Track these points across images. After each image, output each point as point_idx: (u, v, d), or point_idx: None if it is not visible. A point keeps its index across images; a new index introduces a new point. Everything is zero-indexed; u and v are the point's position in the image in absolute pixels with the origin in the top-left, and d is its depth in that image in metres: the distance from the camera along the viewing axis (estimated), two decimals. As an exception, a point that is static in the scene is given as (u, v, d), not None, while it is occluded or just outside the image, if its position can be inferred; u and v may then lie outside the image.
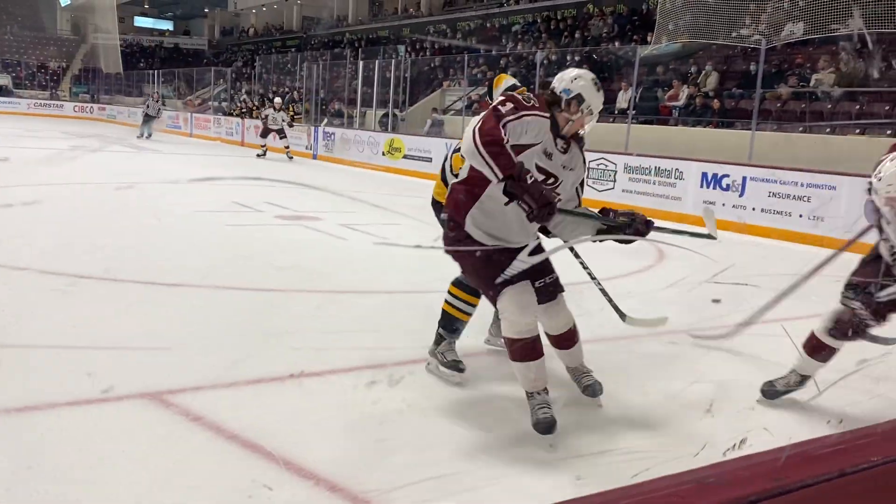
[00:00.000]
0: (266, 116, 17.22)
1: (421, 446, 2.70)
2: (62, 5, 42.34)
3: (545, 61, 16.49)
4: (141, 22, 46.49)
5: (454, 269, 3.17)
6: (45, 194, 8.44)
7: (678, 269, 5.17)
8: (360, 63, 20.13)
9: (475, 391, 3.27)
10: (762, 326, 3.73)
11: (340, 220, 7.82)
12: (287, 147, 17.00)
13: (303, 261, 5.83)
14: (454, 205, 2.94)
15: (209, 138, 23.71)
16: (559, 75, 2.98)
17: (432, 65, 21.71)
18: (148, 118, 21.81)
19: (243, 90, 27.95)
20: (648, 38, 14.38)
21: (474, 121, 2.80)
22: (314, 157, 18.41)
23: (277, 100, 17.98)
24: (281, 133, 17.06)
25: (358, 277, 5.45)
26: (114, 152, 15.91)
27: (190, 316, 4.14)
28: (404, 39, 27.34)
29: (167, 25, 47.97)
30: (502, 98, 2.87)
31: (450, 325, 3.38)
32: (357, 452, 2.62)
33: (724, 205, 9.49)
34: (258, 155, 17.39)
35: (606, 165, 11.13)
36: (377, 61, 19.96)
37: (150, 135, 21.31)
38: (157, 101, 23.06)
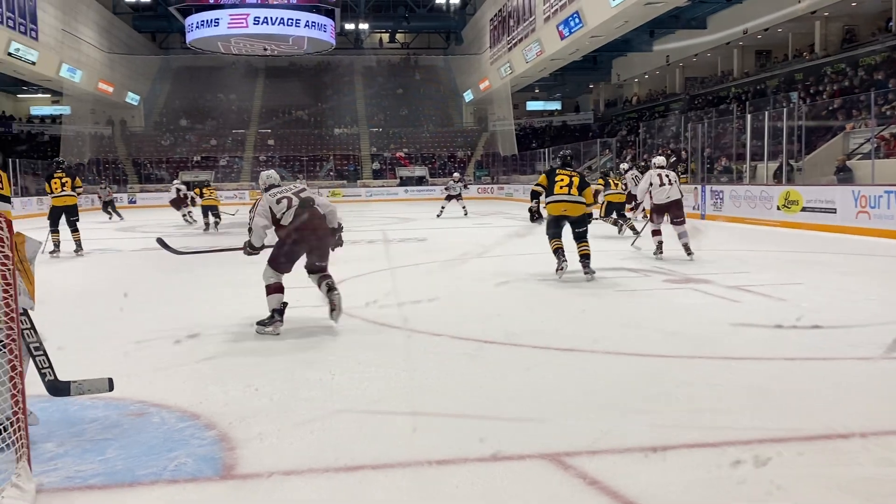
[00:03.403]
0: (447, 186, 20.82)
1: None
2: (466, 101, 47.94)
3: (976, 86, 14.12)
4: (532, 105, 50.41)
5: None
6: (452, 268, 9.52)
7: None
8: (748, 116, 19.28)
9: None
10: None
11: (732, 282, 7.49)
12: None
13: (691, 326, 5.69)
14: None
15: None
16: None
17: (830, 108, 19.93)
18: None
19: (627, 157, 28.53)
20: None
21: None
22: (702, 216, 17.95)
23: (456, 174, 20.07)
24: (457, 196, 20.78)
25: (751, 344, 5.15)
26: (503, 227, 17.33)
27: (583, 380, 4.29)
28: (796, 85, 25.58)
29: (555, 105, 51.30)
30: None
31: None
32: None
33: None
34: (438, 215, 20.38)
35: None
36: (767, 112, 18.94)
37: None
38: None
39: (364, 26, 48.40)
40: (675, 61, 37.54)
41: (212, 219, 17.74)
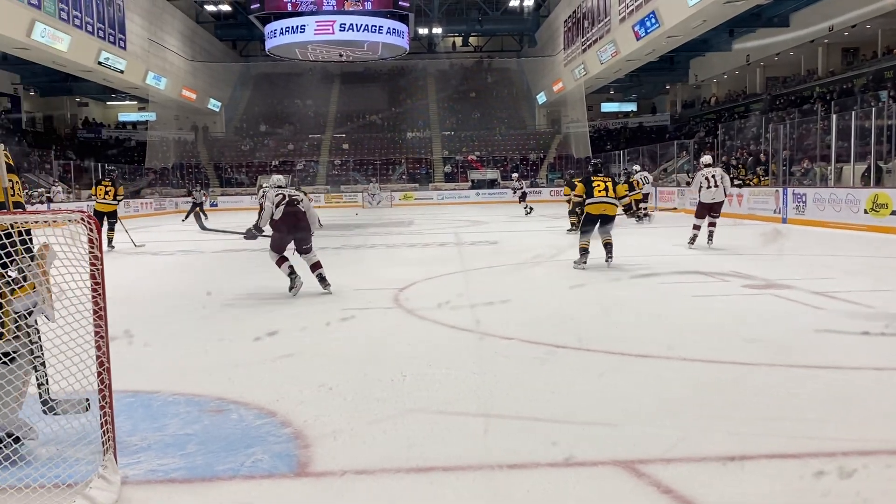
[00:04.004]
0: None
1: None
2: (539, 104, 47.68)
3: None
4: (607, 107, 49.71)
5: None
6: (524, 270, 9.48)
7: None
8: (834, 116, 18.57)
9: None
10: None
11: (815, 288, 7.23)
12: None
13: (771, 332, 5.51)
14: None
15: (666, 209, 24.08)
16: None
17: (924, 107, 19.02)
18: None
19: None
20: None
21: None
22: (784, 220, 17.38)
23: (515, 174, 21.38)
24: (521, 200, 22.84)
25: (836, 352, 4.96)
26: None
27: (658, 387, 4.20)
28: (886, 84, 24.50)
29: (631, 107, 50.47)
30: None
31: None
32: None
33: None
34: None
35: None
36: (854, 111, 18.20)
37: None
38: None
39: (437, 30, 48.71)
40: (756, 60, 36.46)
41: None
